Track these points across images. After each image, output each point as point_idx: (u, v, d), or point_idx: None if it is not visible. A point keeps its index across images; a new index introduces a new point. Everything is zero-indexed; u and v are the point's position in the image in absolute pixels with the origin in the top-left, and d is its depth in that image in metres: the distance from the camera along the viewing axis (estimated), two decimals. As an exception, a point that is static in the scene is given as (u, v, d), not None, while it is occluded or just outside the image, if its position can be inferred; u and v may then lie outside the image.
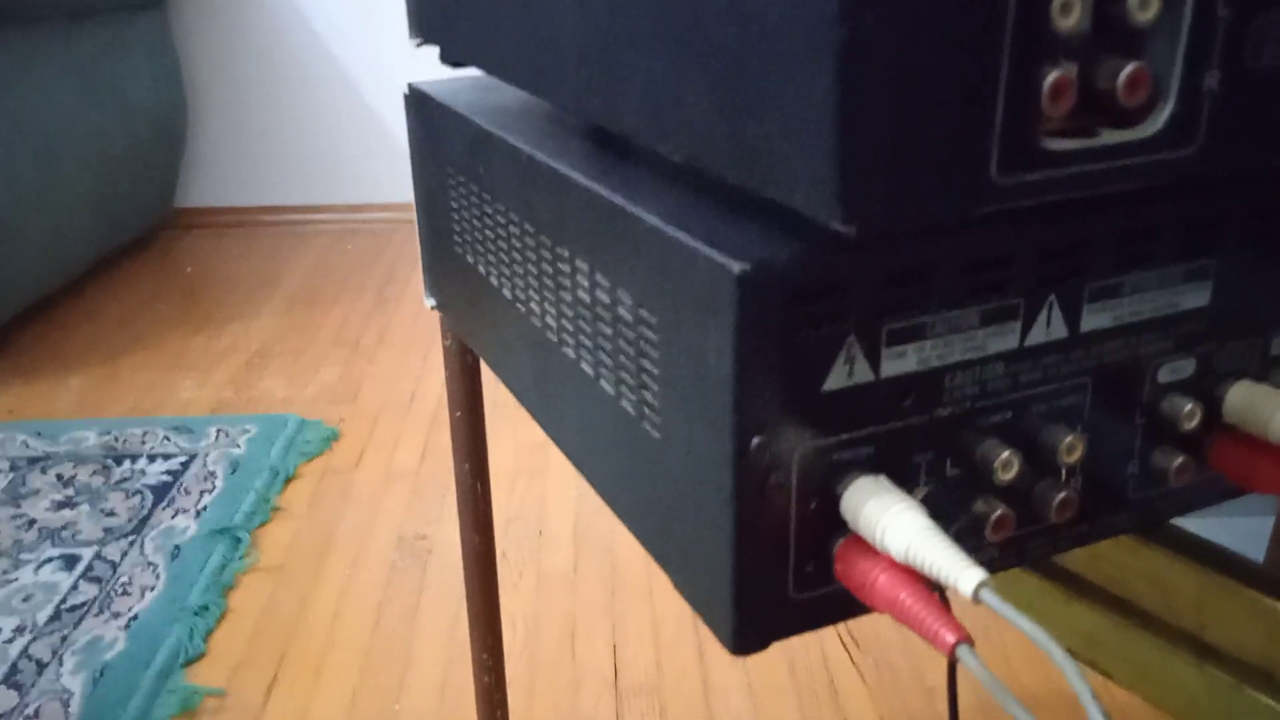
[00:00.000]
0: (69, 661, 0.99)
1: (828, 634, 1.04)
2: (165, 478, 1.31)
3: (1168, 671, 0.35)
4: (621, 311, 0.33)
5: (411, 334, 1.79)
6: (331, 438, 1.42)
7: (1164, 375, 0.33)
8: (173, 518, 1.22)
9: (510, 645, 1.03)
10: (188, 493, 1.27)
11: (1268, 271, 0.33)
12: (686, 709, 0.95)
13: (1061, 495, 0.31)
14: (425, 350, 1.71)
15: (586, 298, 0.36)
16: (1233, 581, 0.35)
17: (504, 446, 1.39)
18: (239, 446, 1.38)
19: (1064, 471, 0.32)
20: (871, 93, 0.23)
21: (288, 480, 1.32)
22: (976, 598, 0.25)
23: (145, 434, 1.42)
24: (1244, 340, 0.34)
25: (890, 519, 0.27)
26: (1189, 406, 0.32)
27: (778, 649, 1.03)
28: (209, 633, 1.04)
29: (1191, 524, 0.99)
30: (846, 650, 1.02)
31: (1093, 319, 0.31)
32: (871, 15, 0.23)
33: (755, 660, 1.01)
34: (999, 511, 0.30)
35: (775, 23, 0.25)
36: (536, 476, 1.33)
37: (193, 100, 2.35)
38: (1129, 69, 0.25)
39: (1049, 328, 0.30)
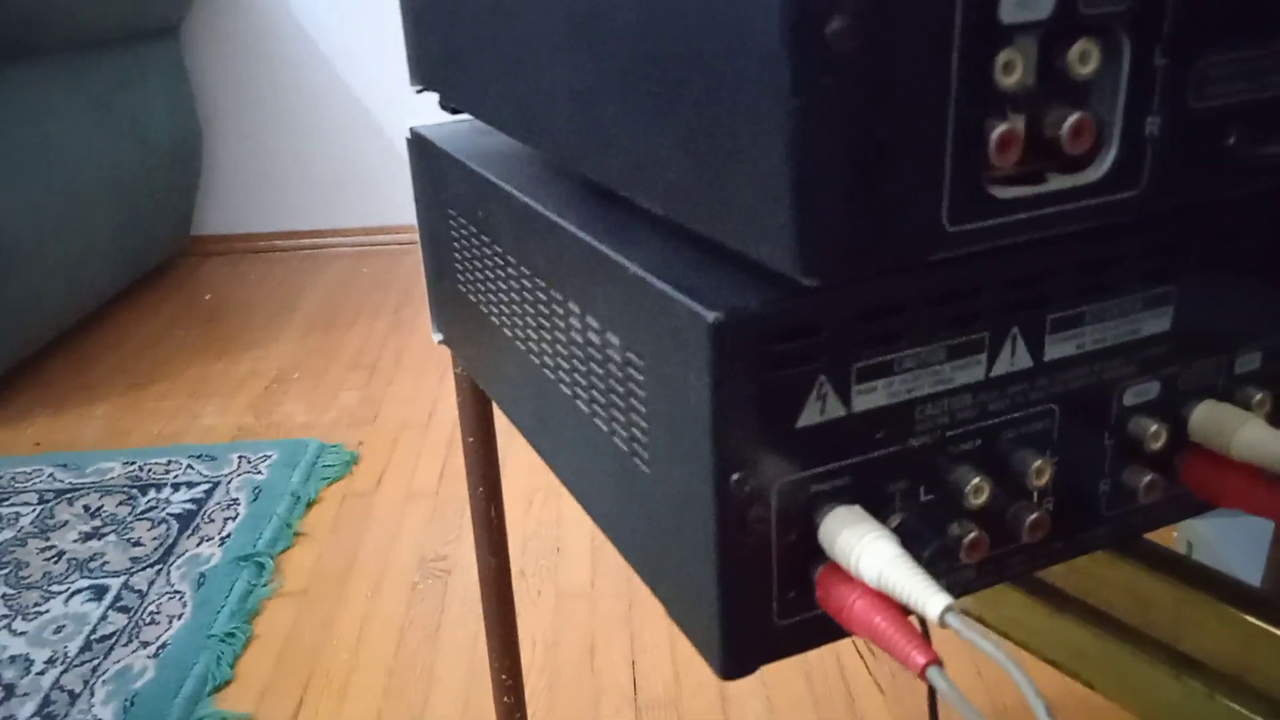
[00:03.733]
0: (100, 692, 1.01)
1: (844, 643, 1.06)
2: (189, 506, 1.33)
3: (1147, 682, 0.37)
4: (611, 353, 0.35)
5: (428, 355, 1.81)
6: (351, 461, 1.45)
7: (1129, 398, 0.34)
8: (198, 545, 1.25)
9: (530, 662, 1.05)
10: (211, 520, 1.30)
11: (1227, 293, 0.35)
12: (705, 721, 0.96)
13: (1033, 516, 0.33)
14: (442, 371, 1.74)
15: (580, 339, 0.38)
16: (1206, 595, 0.36)
17: (519, 465, 1.41)
18: (261, 472, 1.40)
19: (1035, 493, 0.33)
20: (825, 154, 0.25)
21: (309, 504, 1.34)
22: (942, 622, 0.27)
23: (169, 463, 1.44)
24: (1208, 360, 0.35)
25: (863, 548, 0.29)
26: (1154, 428, 0.34)
27: (794, 660, 1.04)
28: (236, 659, 1.07)
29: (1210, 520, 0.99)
30: (863, 659, 1.03)
31: (1056, 348, 0.32)
32: (824, 83, 0.24)
33: (772, 671, 1.03)
34: (973, 534, 0.32)
35: (736, 87, 0.26)
36: (552, 495, 1.35)
37: (207, 128, 2.39)
38: (1072, 119, 0.27)
39: (1014, 358, 0.32)
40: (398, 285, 2.19)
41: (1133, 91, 0.28)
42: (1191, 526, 1.03)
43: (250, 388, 1.72)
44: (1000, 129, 0.27)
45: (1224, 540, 0.99)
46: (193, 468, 1.43)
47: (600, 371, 0.36)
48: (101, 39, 1.93)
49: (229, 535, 1.26)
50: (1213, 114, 0.30)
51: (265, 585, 1.18)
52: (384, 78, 2.36)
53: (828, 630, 0.32)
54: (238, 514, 1.31)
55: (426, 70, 0.51)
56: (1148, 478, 0.34)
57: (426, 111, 2.15)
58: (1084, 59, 0.27)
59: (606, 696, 1.00)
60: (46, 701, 1.00)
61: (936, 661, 0.27)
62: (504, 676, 0.79)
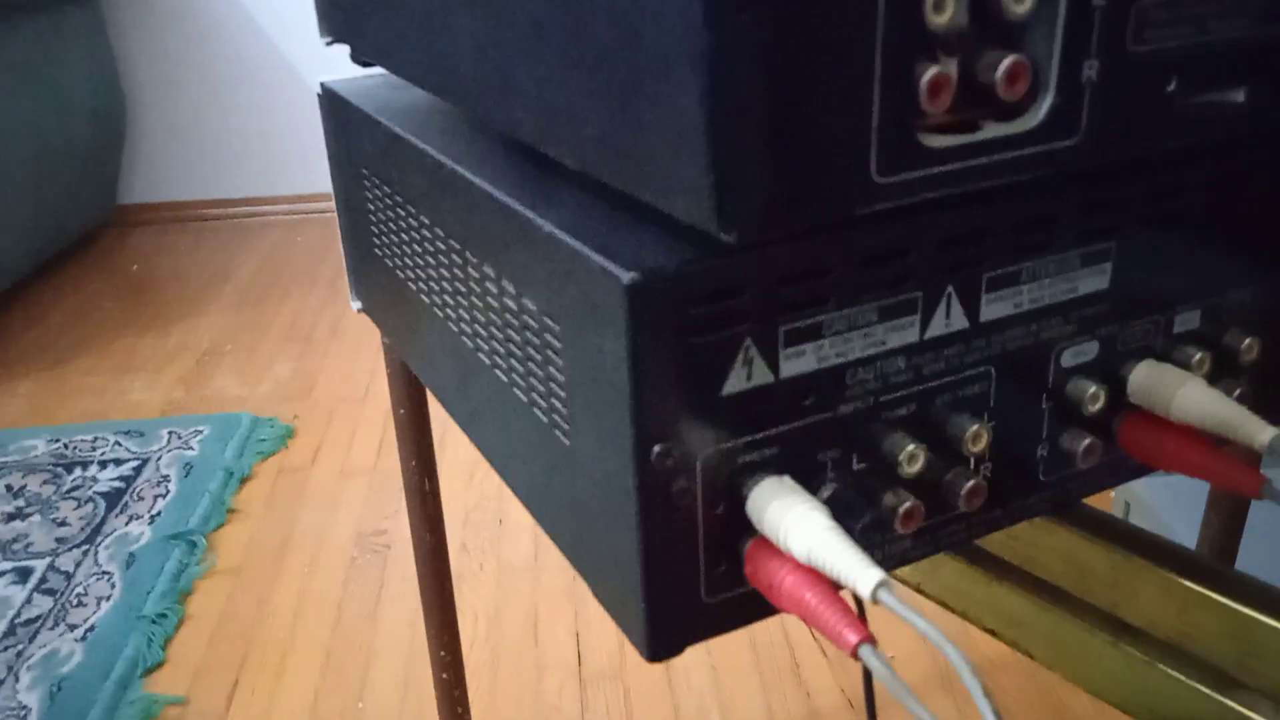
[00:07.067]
0: (25, 677, 0.97)
1: (787, 609, 1.05)
2: (117, 484, 1.29)
3: (1085, 649, 0.36)
4: (527, 319, 0.33)
5: (365, 326, 1.77)
6: (286, 435, 1.41)
7: (1067, 359, 0.33)
8: (126, 525, 1.21)
9: (473, 636, 1.03)
10: (140, 498, 1.26)
11: (1167, 250, 0.34)
12: (650, 691, 0.95)
13: (970, 484, 0.31)
14: (379, 342, 1.70)
15: (496, 304, 0.35)
16: (1144, 561, 0.36)
17: (460, 436, 1.38)
18: (192, 448, 1.36)
19: (972, 460, 0.32)
20: (743, 98, 0.23)
21: (243, 480, 1.31)
22: (875, 599, 0.25)
23: (95, 439, 1.40)
24: (1147, 319, 0.34)
25: (792, 521, 0.27)
26: (1093, 389, 0.33)
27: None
28: (167, 640, 1.03)
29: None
30: (808, 625, 1.03)
31: (992, 308, 0.31)
32: (739, 20, 0.22)
33: (717, 640, 1.02)
34: (908, 504, 0.30)
35: (648, 30, 0.24)
36: (494, 465, 1.33)
37: (132, 93, 2.31)
38: (1007, 62, 0.25)
39: (949, 319, 0.30)
40: (333, 255, 2.14)
41: (1070, 33, 0.26)
42: (1129, 488, 1.04)
43: (180, 361, 1.67)
44: (931, 72, 0.25)
45: (1161, 502, 1.00)
46: (120, 444, 1.38)
47: (518, 339, 0.34)
48: (17, 2, 1.84)
49: (159, 513, 1.22)
50: (1152, 59, 0.28)
51: (198, 564, 1.14)
52: (313, 40, 2.29)
53: (758, 607, 0.30)
54: (168, 491, 1.27)
55: (336, 20, 0.48)
56: (1086, 441, 0.33)
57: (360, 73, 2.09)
58: (1020, -3, 0.25)
59: (550, 670, 0.99)
60: (-34, 690, 0.96)
61: (869, 640, 0.26)
62: (443, 653, 0.77)
